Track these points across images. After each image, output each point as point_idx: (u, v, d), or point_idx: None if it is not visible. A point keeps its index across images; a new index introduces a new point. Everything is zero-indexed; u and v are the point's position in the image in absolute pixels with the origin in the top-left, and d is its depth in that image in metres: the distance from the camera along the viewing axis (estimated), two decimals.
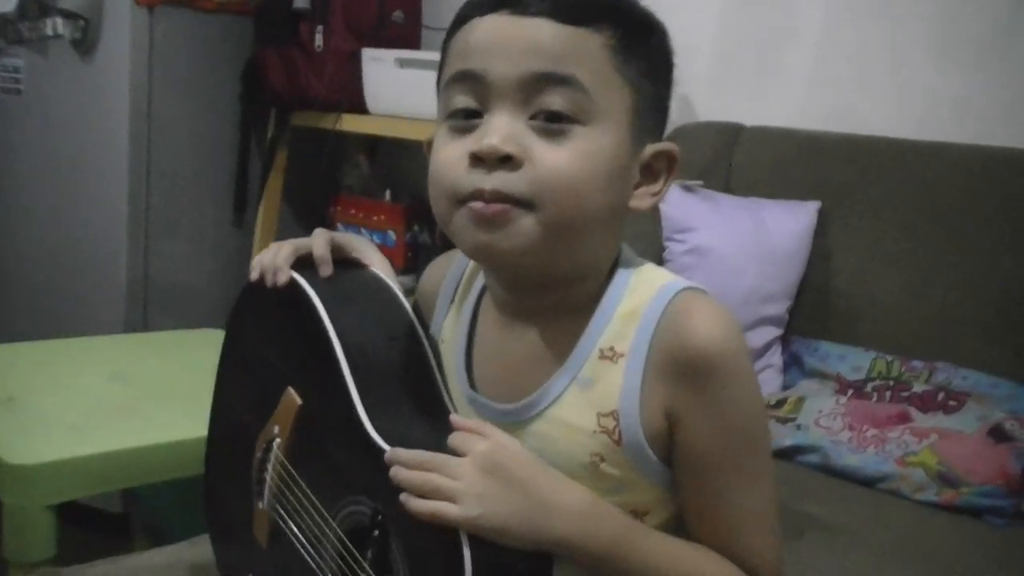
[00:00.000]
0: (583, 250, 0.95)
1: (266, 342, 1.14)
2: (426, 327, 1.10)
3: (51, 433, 1.72)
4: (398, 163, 3.10)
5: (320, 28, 2.68)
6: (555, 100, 0.89)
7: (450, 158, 0.93)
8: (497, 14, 0.92)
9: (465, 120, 0.93)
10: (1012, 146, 2.10)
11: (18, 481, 1.62)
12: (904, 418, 1.90)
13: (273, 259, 1.09)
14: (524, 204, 0.89)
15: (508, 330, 1.01)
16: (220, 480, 1.23)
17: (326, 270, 1.10)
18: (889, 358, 2.03)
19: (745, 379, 0.93)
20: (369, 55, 2.68)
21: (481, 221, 0.90)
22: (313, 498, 1.00)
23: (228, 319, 1.21)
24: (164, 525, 2.17)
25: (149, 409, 1.86)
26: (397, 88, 2.61)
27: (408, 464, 0.88)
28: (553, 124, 0.90)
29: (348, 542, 0.94)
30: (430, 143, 0.99)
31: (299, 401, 1.05)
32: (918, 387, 1.96)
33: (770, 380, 2.14)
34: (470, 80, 0.92)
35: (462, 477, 0.86)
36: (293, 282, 1.07)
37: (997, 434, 1.79)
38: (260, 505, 1.10)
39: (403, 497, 0.86)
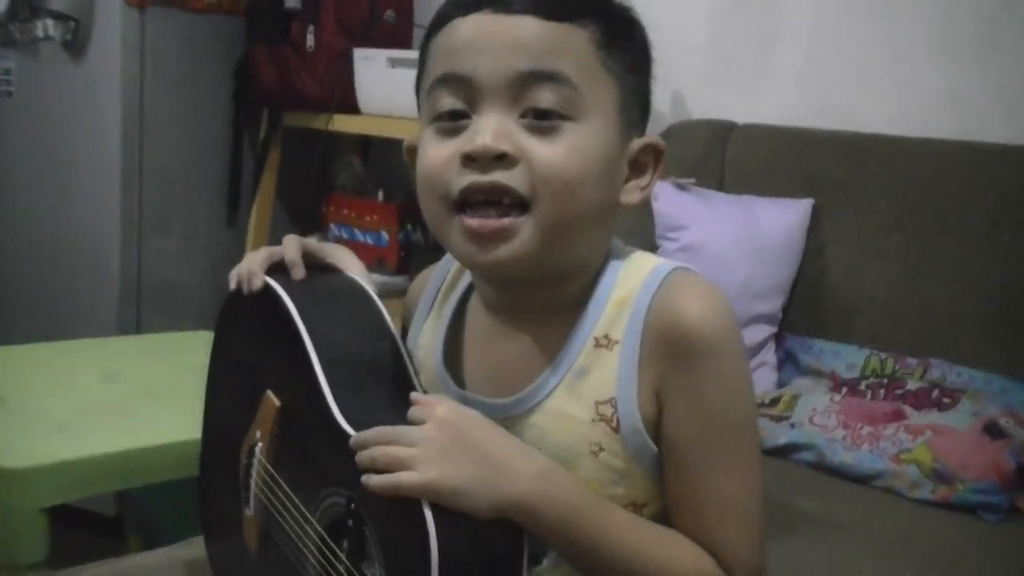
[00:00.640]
0: (578, 246, 0.94)
1: (246, 348, 1.15)
2: (403, 330, 1.11)
3: (43, 435, 1.71)
4: (390, 162, 3.09)
5: (311, 27, 2.68)
6: (545, 97, 0.89)
7: (441, 160, 0.92)
8: (480, 13, 0.91)
9: (453, 121, 0.92)
10: (1004, 142, 2.10)
11: (9, 483, 1.61)
12: (898, 415, 1.90)
13: (248, 266, 1.10)
14: (521, 202, 0.89)
15: (499, 329, 1.01)
16: (213, 487, 1.23)
17: (298, 273, 1.09)
18: (883, 355, 2.03)
19: (731, 363, 0.91)
20: (361, 54, 2.68)
21: (477, 238, 0.90)
22: (295, 498, 1.00)
23: (215, 328, 1.22)
24: (157, 527, 2.16)
25: (142, 411, 1.85)
26: (389, 87, 2.61)
27: (370, 442, 0.88)
28: (544, 121, 0.89)
29: (326, 536, 0.94)
30: (410, 148, 0.99)
31: (277, 403, 1.05)
32: (912, 384, 1.96)
33: (764, 378, 2.14)
34: (456, 82, 0.91)
35: (419, 443, 0.86)
36: (267, 286, 1.08)
37: (991, 430, 1.79)
38: (247, 512, 1.10)
39: (364, 477, 0.86)
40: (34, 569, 1.63)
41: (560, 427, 0.94)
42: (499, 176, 0.89)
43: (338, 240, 2.99)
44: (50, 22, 2.62)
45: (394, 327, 1.08)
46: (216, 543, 1.24)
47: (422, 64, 0.98)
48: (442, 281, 1.11)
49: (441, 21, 0.95)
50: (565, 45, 0.90)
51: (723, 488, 0.90)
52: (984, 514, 1.71)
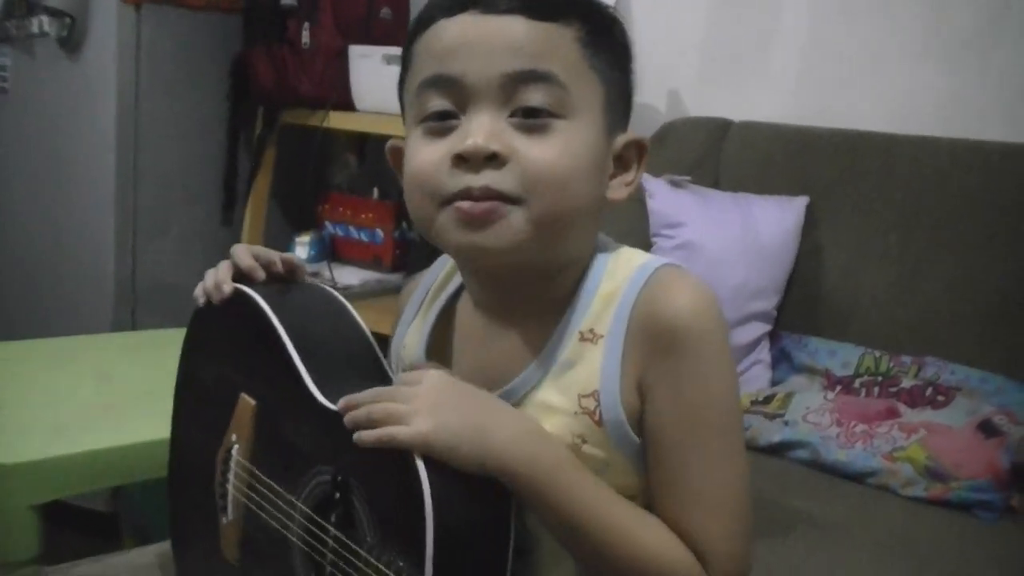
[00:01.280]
0: (569, 241, 0.95)
1: (217, 361, 1.16)
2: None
3: (35, 432, 1.71)
4: (386, 161, 3.08)
5: (307, 25, 2.67)
6: (534, 97, 0.90)
7: (431, 160, 0.92)
8: (466, 14, 0.92)
9: (442, 122, 0.93)
10: (1001, 141, 2.10)
11: (1, 480, 1.61)
12: (893, 413, 1.90)
13: (213, 280, 1.11)
14: (513, 200, 0.89)
15: (488, 328, 1.02)
16: (184, 517, 1.23)
17: (259, 275, 1.11)
18: (878, 354, 2.03)
19: (713, 356, 0.92)
20: (357, 52, 2.67)
21: (468, 221, 0.90)
22: (278, 487, 1.00)
23: (181, 355, 1.22)
24: (151, 524, 2.15)
25: (135, 407, 1.85)
26: (385, 85, 2.56)
27: (362, 401, 0.89)
28: (534, 120, 0.90)
29: (313, 515, 0.94)
30: (395, 149, 1.01)
31: (253, 403, 1.06)
32: (907, 382, 1.96)
33: (759, 376, 2.14)
34: (446, 83, 0.92)
35: (413, 399, 0.89)
36: (237, 292, 1.09)
37: (986, 429, 1.79)
38: (225, 520, 1.10)
39: (356, 435, 0.87)
40: (26, 566, 1.63)
41: (544, 419, 0.94)
42: (489, 179, 0.89)
43: (334, 238, 2.99)
44: (46, 19, 2.61)
45: (364, 324, 1.09)
46: (189, 564, 1.23)
47: (406, 65, 0.98)
48: (431, 284, 1.12)
49: (425, 22, 0.95)
50: (553, 45, 0.91)
51: (701, 481, 0.91)
52: (978, 512, 1.70)
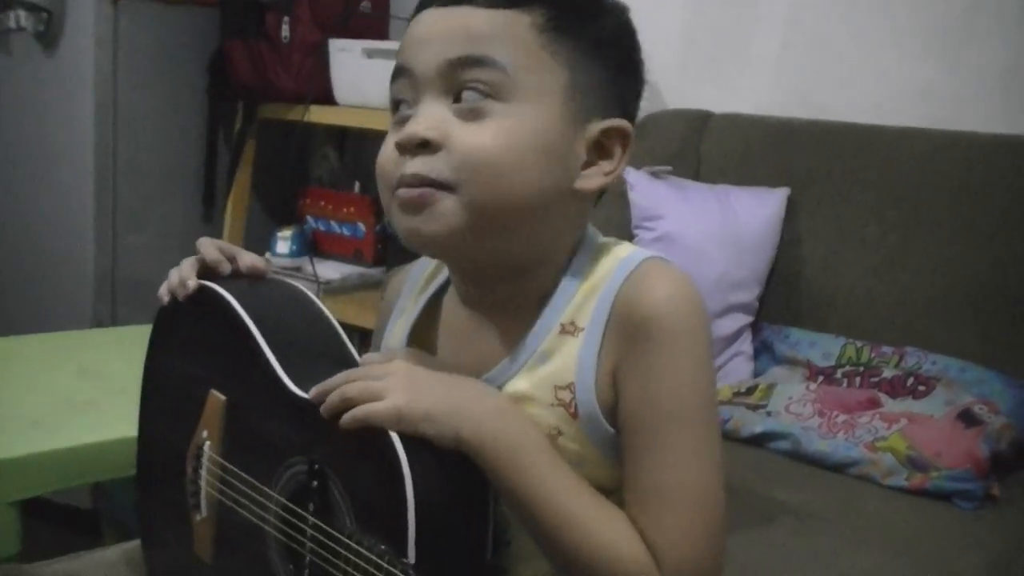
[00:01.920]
0: (525, 234, 0.94)
1: (183, 358, 1.15)
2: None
3: (14, 428, 1.70)
4: (367, 154, 3.08)
5: (286, 19, 2.66)
6: (472, 81, 0.90)
7: (386, 150, 0.94)
8: (430, 8, 0.94)
9: (399, 112, 0.95)
10: (980, 132, 2.11)
11: None
12: (874, 403, 1.90)
13: (178, 277, 1.11)
14: (446, 187, 0.90)
15: (471, 322, 1.01)
16: (154, 517, 1.22)
17: (225, 268, 1.11)
18: (859, 344, 2.04)
19: (688, 350, 0.90)
20: (336, 46, 2.66)
21: (405, 206, 0.91)
22: (252, 480, 1.00)
23: (146, 354, 1.21)
24: (132, 520, 2.14)
25: (114, 403, 1.84)
26: (365, 79, 2.60)
27: (336, 384, 0.90)
28: (471, 104, 0.90)
29: (290, 505, 0.94)
30: None
31: (223, 398, 1.06)
32: (888, 372, 1.97)
33: (740, 367, 2.15)
34: (402, 75, 0.94)
35: (386, 376, 0.90)
36: (202, 288, 1.09)
37: (966, 418, 1.80)
38: (198, 517, 1.09)
39: (341, 421, 0.88)
40: (6, 563, 1.62)
41: (509, 398, 0.94)
42: (419, 165, 0.90)
43: (316, 232, 2.98)
44: (22, 13, 2.60)
45: (331, 316, 1.10)
46: (160, 563, 1.22)
47: None
48: (419, 276, 1.11)
49: (411, 18, 0.97)
50: (499, 30, 0.91)
51: (666, 476, 0.89)
52: (959, 501, 1.71)
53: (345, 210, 2.93)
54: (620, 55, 0.96)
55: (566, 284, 0.96)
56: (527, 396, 0.94)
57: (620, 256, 0.95)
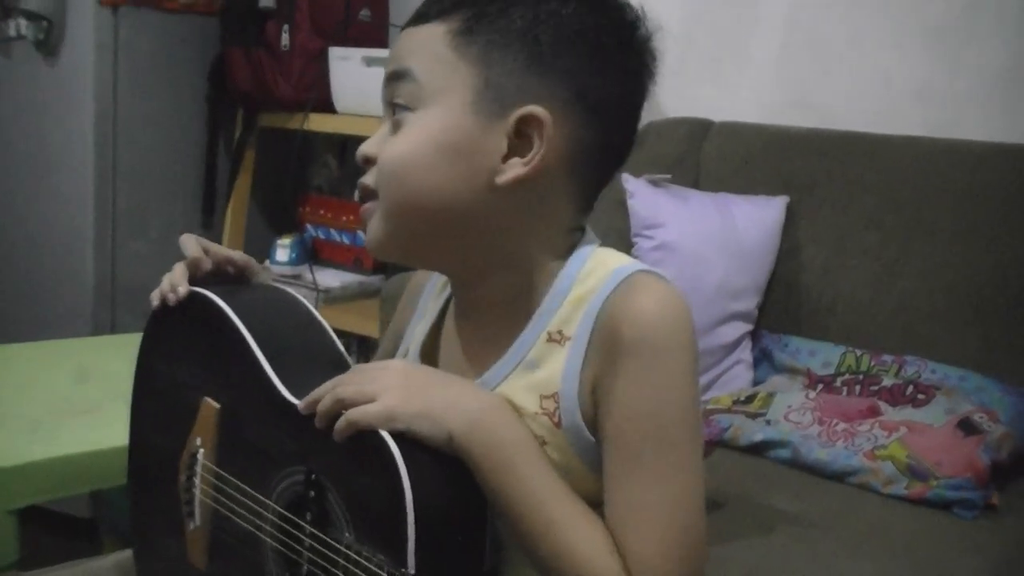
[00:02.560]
0: (459, 233, 0.95)
1: (175, 365, 1.14)
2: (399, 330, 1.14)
3: (12, 436, 1.70)
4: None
5: (286, 27, 2.67)
6: (397, 95, 0.94)
7: None
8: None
9: None
10: (975, 138, 2.11)
11: None
12: (873, 412, 1.90)
13: (168, 282, 1.11)
14: (374, 196, 0.95)
15: (465, 325, 1.03)
16: (145, 525, 1.21)
17: (205, 264, 1.12)
18: (859, 352, 2.04)
19: (670, 367, 0.89)
20: (336, 54, 2.67)
21: (361, 219, 0.98)
22: (248, 489, 1.00)
23: (137, 360, 1.20)
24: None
25: (113, 411, 1.83)
26: (365, 87, 2.60)
27: (324, 393, 0.91)
28: (396, 117, 0.94)
29: (287, 514, 0.94)
30: None
31: (217, 405, 1.05)
32: (887, 381, 1.96)
33: (740, 376, 2.15)
34: None
35: (379, 378, 0.91)
36: (193, 294, 1.09)
37: (966, 427, 1.79)
38: (192, 526, 1.09)
39: (335, 428, 0.88)
40: (5, 571, 1.61)
41: (502, 399, 0.94)
42: (364, 178, 0.96)
43: (315, 240, 2.98)
44: (23, 22, 2.60)
45: (324, 320, 1.10)
46: (152, 571, 1.21)
47: None
48: (436, 282, 1.12)
49: None
50: (418, 43, 0.94)
51: (643, 493, 0.88)
52: (958, 510, 1.71)
53: (345, 218, 2.93)
54: (536, 43, 0.92)
55: (555, 292, 0.95)
56: (513, 403, 0.93)
57: (612, 266, 0.94)
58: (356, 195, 2.89)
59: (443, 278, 1.10)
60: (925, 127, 2.20)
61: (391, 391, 0.89)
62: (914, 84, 2.30)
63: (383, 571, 0.81)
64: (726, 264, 2.15)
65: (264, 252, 2.78)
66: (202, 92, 2.86)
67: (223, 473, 1.04)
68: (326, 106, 2.70)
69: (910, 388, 1.93)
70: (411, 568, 0.81)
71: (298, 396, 0.95)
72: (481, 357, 0.98)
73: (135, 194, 2.75)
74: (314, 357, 1.05)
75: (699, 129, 2.41)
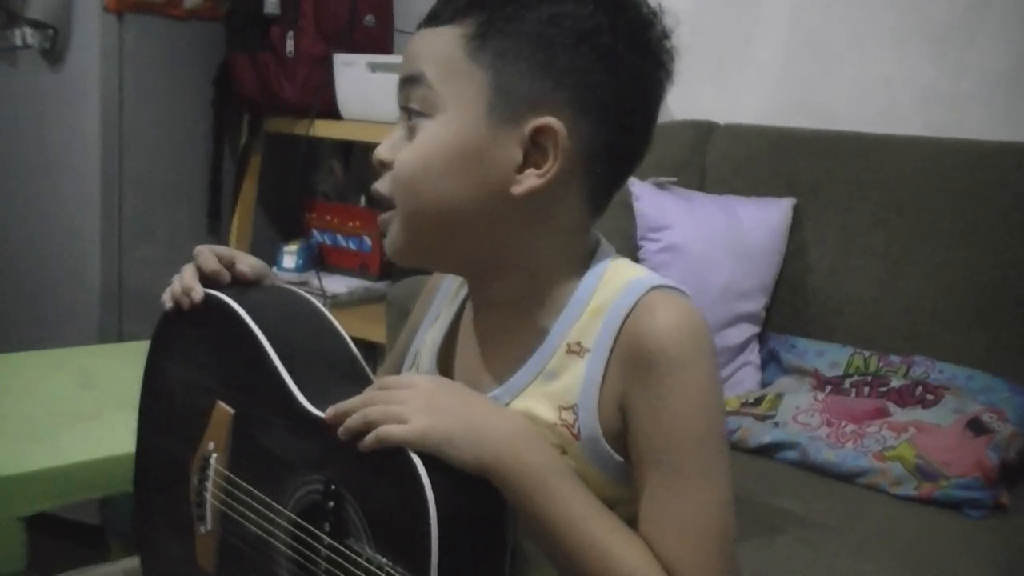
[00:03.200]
0: (473, 240, 0.95)
1: (187, 367, 1.14)
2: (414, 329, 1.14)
3: (19, 443, 1.70)
4: (373, 168, 3.08)
5: (291, 33, 2.67)
6: (411, 100, 0.94)
7: None
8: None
9: None
10: (979, 138, 2.11)
11: None
12: (882, 413, 1.90)
13: (181, 284, 1.10)
14: (390, 203, 0.95)
15: (485, 331, 1.02)
16: (152, 527, 1.21)
17: (224, 278, 1.11)
18: (867, 353, 2.03)
19: (694, 382, 0.90)
20: (341, 59, 2.67)
21: (380, 227, 0.97)
22: (261, 495, 0.99)
23: (147, 362, 1.20)
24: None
25: (119, 417, 1.83)
26: (369, 92, 2.60)
27: (355, 407, 0.90)
28: (410, 122, 0.94)
29: (303, 523, 0.94)
30: None
31: (231, 410, 1.05)
32: (895, 382, 1.96)
33: (748, 377, 2.14)
34: None
35: (407, 400, 0.90)
36: (208, 297, 1.08)
37: (974, 427, 1.79)
38: (203, 529, 1.08)
39: (360, 444, 0.88)
40: None
41: (526, 420, 0.93)
42: (379, 183, 0.97)
43: (322, 246, 2.98)
44: (28, 30, 2.60)
45: (340, 326, 1.09)
46: (159, 573, 1.21)
47: None
48: (451, 285, 1.12)
49: None
50: (430, 47, 0.93)
51: (679, 504, 0.89)
52: (968, 510, 1.70)
53: (351, 224, 2.93)
54: (549, 47, 0.91)
55: (574, 301, 0.96)
56: (533, 415, 0.94)
57: (628, 278, 0.95)
58: (362, 200, 2.90)
59: (458, 280, 1.10)
60: (928, 127, 2.20)
61: (419, 415, 0.87)
62: (917, 84, 2.30)
63: None
64: (732, 266, 2.14)
65: (270, 258, 2.78)
66: (207, 98, 2.86)
67: (235, 478, 1.03)
68: (331, 112, 2.70)
69: (918, 389, 1.92)
70: None
71: (315, 403, 0.94)
72: (499, 364, 0.99)
73: (141, 200, 2.75)
74: (329, 362, 1.05)
75: (704, 131, 2.41)
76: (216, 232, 2.92)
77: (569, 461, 0.92)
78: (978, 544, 1.61)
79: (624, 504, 0.93)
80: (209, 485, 1.07)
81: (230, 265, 1.12)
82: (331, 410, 0.91)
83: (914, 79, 2.30)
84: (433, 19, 0.94)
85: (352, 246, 2.94)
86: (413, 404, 0.89)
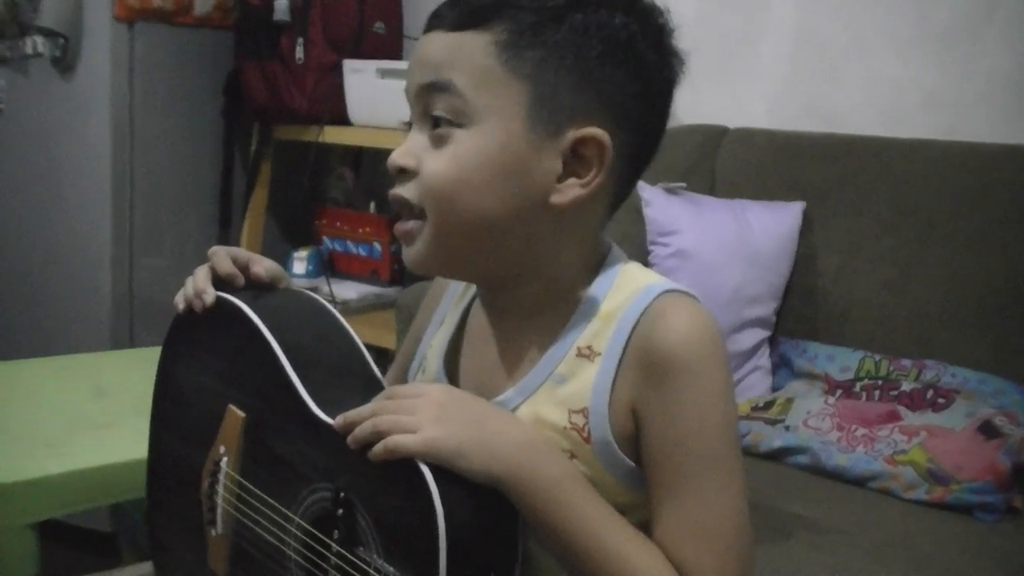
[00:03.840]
0: (506, 251, 0.94)
1: (199, 371, 1.14)
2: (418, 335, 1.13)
3: (30, 450, 1.70)
4: (382, 174, 3.09)
5: (300, 40, 2.67)
6: (436, 107, 0.92)
7: None
8: (424, 33, 0.96)
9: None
10: (986, 140, 2.11)
11: None
12: (893, 417, 1.89)
13: (193, 287, 1.10)
14: (418, 212, 0.93)
15: (492, 329, 1.02)
16: (166, 529, 1.21)
17: (239, 282, 1.10)
18: (877, 357, 2.03)
19: (707, 387, 0.90)
20: (350, 66, 2.67)
21: (400, 238, 0.96)
22: (272, 501, 0.99)
23: (159, 365, 1.20)
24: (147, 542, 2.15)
25: (132, 424, 1.83)
26: (379, 99, 2.60)
27: (364, 416, 0.89)
28: (438, 131, 0.92)
29: (314, 531, 0.94)
30: None
31: (242, 415, 1.05)
32: (907, 385, 1.95)
33: (759, 382, 2.14)
34: (405, 97, 0.97)
35: (418, 409, 0.89)
36: (220, 300, 1.08)
37: (986, 430, 1.78)
38: (214, 533, 1.09)
39: (369, 453, 0.87)
40: None
41: (537, 430, 0.93)
42: (398, 189, 0.94)
43: (332, 253, 2.99)
44: (39, 39, 2.61)
45: (352, 331, 1.09)
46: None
47: None
48: (457, 288, 1.12)
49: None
50: (459, 54, 0.91)
51: (695, 510, 0.89)
52: (980, 514, 1.70)
53: (361, 230, 2.94)
54: (585, 57, 0.91)
55: (585, 305, 0.96)
56: (544, 419, 0.94)
57: (641, 283, 0.95)
58: (372, 206, 2.90)
59: (462, 286, 1.10)
60: (935, 131, 2.19)
61: (429, 425, 0.87)
62: (923, 88, 2.30)
63: None
64: (743, 270, 2.14)
65: (281, 265, 2.76)
66: (217, 106, 2.87)
67: (246, 483, 1.04)
68: (341, 118, 2.71)
69: (930, 392, 1.92)
70: None
71: (326, 410, 0.94)
72: (508, 368, 0.99)
73: (152, 208, 2.76)
74: (342, 368, 1.05)
75: (713, 136, 2.41)
76: (226, 239, 2.93)
77: (581, 466, 0.92)
78: (990, 548, 1.61)
79: (636, 510, 0.93)
80: (220, 489, 1.07)
81: (245, 267, 1.12)
82: (340, 418, 0.91)
83: (920, 82, 2.30)
84: (455, 25, 0.92)
85: (362, 252, 2.94)
86: (423, 414, 0.88)
